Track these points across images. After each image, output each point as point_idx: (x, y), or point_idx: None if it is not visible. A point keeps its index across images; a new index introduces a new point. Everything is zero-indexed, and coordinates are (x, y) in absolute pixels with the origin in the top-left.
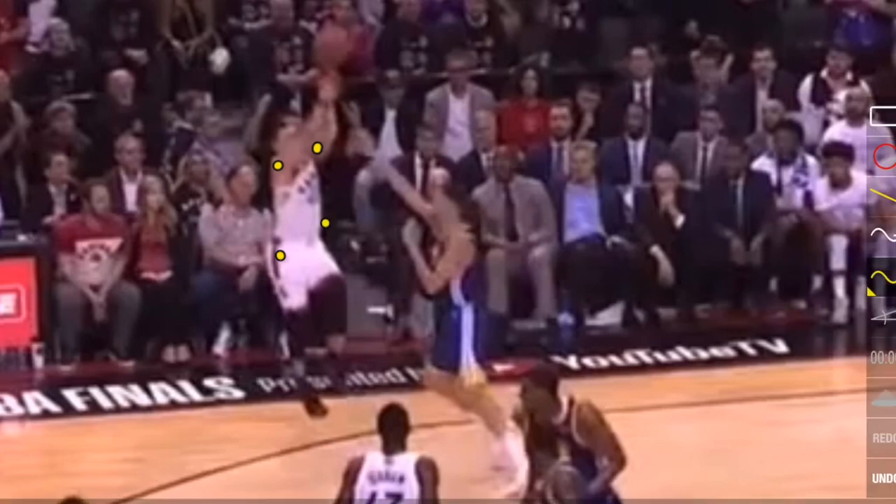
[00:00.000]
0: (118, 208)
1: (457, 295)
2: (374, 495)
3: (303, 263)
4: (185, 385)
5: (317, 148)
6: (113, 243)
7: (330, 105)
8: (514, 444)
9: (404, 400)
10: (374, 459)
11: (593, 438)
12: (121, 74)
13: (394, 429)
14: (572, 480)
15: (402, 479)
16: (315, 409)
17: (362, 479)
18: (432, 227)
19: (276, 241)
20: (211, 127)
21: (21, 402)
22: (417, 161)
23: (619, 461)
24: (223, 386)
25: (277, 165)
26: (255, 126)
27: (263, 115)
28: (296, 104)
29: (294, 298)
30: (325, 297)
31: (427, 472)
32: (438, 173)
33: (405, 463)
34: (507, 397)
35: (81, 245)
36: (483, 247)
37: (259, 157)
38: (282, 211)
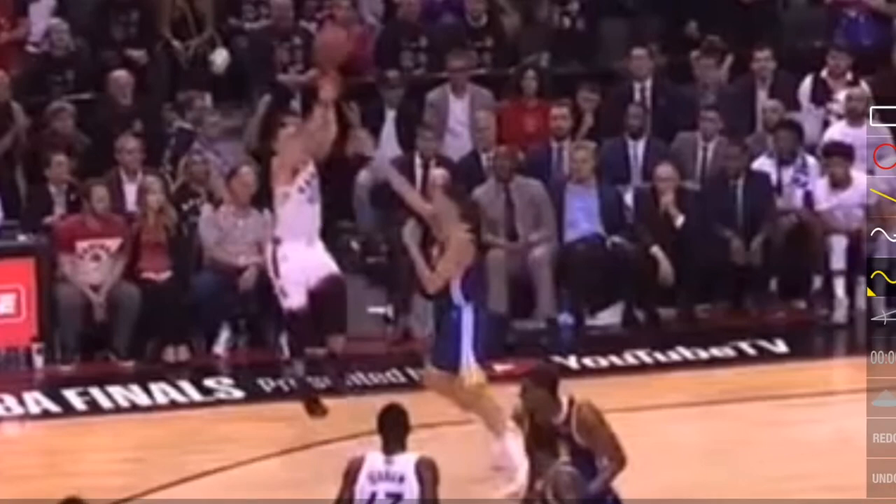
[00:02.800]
0: (118, 208)
1: (457, 295)
2: (373, 495)
3: (303, 263)
4: (185, 385)
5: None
6: (113, 243)
7: (330, 105)
8: (514, 444)
9: (404, 400)
10: (374, 459)
11: (593, 438)
12: (121, 74)
13: (394, 429)
14: (572, 480)
15: (402, 479)
16: (315, 409)
17: (362, 480)
18: (432, 228)
19: (276, 242)
20: (211, 127)
21: (21, 402)
22: (417, 161)
23: (620, 461)
24: (223, 386)
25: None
26: (255, 126)
27: (263, 115)
28: (296, 104)
29: (294, 298)
30: (326, 297)
31: (427, 472)
32: (438, 173)
33: (405, 463)
34: (507, 397)
35: (81, 245)
36: (483, 247)
37: (259, 157)
38: (282, 211)
